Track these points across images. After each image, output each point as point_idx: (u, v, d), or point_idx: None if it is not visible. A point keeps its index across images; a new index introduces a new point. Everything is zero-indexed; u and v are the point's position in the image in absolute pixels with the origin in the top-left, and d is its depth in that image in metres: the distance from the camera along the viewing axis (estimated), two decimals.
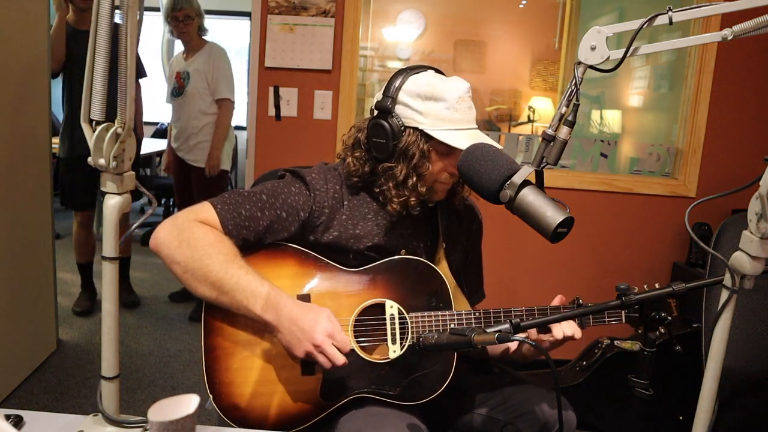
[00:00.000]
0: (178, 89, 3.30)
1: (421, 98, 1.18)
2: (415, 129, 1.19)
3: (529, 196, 0.93)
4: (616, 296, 1.05)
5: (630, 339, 2.22)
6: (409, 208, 1.24)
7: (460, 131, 1.18)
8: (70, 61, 2.90)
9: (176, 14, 3.15)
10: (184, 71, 3.29)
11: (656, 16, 0.88)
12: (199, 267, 1.09)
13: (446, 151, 1.19)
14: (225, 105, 3.27)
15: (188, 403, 0.78)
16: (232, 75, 3.33)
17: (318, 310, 1.11)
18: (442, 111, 1.18)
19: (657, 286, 1.09)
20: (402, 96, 1.20)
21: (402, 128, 1.19)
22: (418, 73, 1.22)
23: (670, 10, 0.87)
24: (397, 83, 1.20)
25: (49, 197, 2.64)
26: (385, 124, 1.19)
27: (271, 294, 1.09)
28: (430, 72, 1.24)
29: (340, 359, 1.08)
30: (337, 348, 1.08)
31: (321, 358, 1.08)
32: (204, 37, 3.32)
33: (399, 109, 1.20)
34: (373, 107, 1.24)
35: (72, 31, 2.90)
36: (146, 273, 3.92)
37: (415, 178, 1.20)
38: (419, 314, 1.20)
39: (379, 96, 1.22)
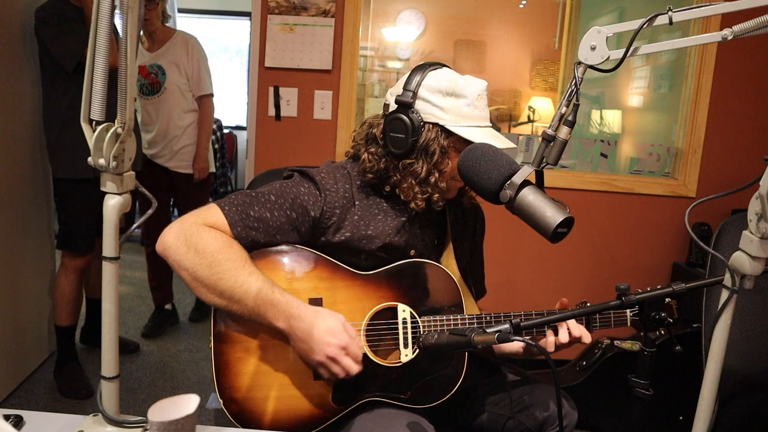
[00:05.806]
0: (149, 86, 2.90)
1: (442, 94, 1.17)
2: (435, 125, 1.18)
3: (529, 196, 0.93)
4: (616, 296, 1.05)
5: (630, 339, 2.22)
6: (432, 204, 1.23)
7: (479, 128, 1.18)
8: None
9: None
10: (152, 65, 2.89)
11: (656, 16, 0.88)
12: (208, 275, 1.06)
13: (463, 148, 1.19)
14: (208, 101, 3.01)
15: (188, 403, 0.78)
16: (209, 67, 3.05)
17: (330, 318, 1.08)
18: (462, 108, 1.17)
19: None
20: (422, 91, 1.18)
21: (421, 123, 1.17)
22: (437, 69, 1.21)
23: (670, 10, 0.87)
24: (417, 78, 1.18)
25: (49, 198, 2.64)
26: (405, 118, 1.16)
27: (281, 301, 1.07)
28: (449, 69, 1.23)
29: (354, 369, 1.07)
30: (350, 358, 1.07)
31: (335, 368, 1.07)
32: (168, 25, 2.97)
33: (419, 105, 1.18)
34: (386, 102, 1.22)
35: None
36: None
37: (437, 175, 1.19)
38: (431, 318, 1.20)
39: (398, 90, 1.20)
